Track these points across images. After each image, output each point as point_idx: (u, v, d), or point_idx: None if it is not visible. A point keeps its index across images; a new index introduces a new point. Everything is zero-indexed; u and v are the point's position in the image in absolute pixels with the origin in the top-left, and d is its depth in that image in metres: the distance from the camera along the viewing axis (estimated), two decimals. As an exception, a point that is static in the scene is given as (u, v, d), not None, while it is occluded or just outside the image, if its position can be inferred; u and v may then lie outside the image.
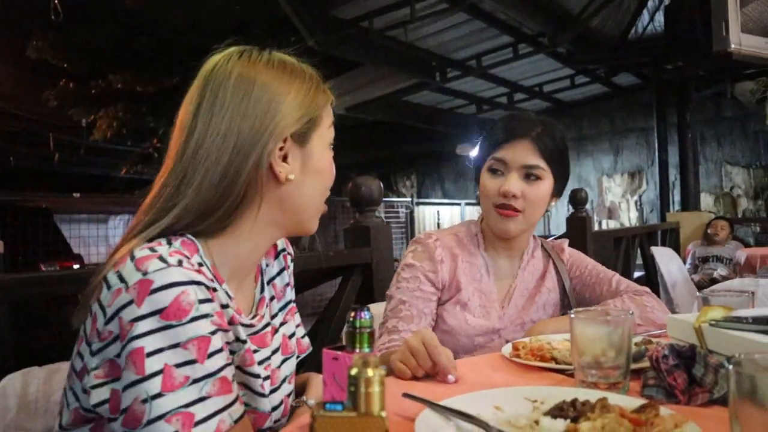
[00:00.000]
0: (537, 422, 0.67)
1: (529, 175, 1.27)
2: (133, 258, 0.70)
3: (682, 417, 0.64)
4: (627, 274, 4.31)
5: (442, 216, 9.69)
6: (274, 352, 0.89)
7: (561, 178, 1.33)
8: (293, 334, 0.98)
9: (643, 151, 10.00)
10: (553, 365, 0.95)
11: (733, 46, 3.67)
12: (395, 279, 1.32)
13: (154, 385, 0.65)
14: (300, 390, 0.99)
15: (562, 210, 8.34)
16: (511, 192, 1.25)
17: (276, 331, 0.92)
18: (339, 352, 0.72)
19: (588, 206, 3.84)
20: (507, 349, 1.04)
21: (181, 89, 0.83)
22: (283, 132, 0.79)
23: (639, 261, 4.98)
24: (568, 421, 0.65)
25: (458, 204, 10.22)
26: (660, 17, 6.52)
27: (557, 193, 1.34)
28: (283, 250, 0.99)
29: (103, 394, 0.69)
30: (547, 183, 1.29)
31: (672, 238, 6.04)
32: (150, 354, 0.65)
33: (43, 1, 6.99)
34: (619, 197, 10.32)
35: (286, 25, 5.82)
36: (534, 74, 8.34)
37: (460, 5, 5.82)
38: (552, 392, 0.76)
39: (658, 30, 6.77)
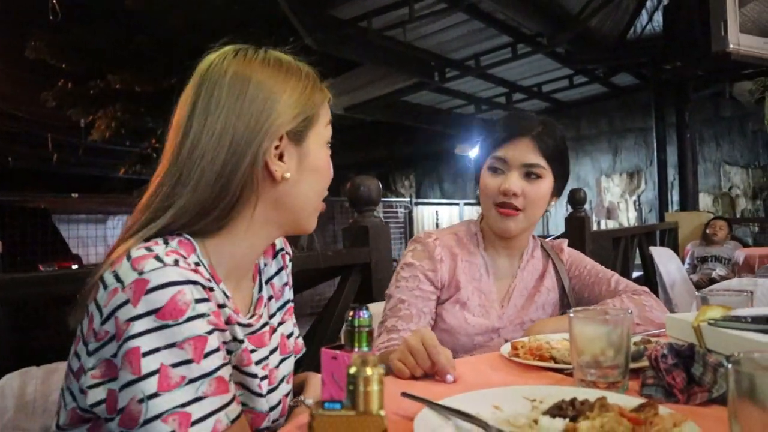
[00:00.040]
0: (536, 421, 0.67)
1: (530, 173, 1.27)
2: (129, 257, 0.70)
3: (681, 416, 0.64)
4: (626, 274, 4.32)
5: (440, 216, 9.68)
6: (272, 351, 0.89)
7: (561, 178, 1.33)
8: (291, 334, 0.97)
9: (641, 151, 10.01)
10: (552, 364, 0.95)
11: (731, 46, 3.67)
12: (394, 278, 1.32)
13: (151, 385, 0.65)
14: (298, 389, 0.99)
15: (560, 210, 8.34)
16: (511, 190, 1.25)
17: (274, 330, 0.92)
18: (338, 351, 0.72)
19: (587, 206, 3.85)
20: (506, 348, 1.04)
21: (180, 89, 0.83)
22: (278, 130, 0.79)
23: (638, 261, 4.99)
24: (567, 420, 0.65)
25: (457, 204, 10.22)
26: (659, 17, 6.53)
27: (557, 192, 1.34)
28: (282, 249, 0.98)
29: (99, 394, 0.68)
30: (547, 182, 1.29)
31: (670, 238, 6.05)
32: (146, 354, 0.65)
33: (41, 1, 6.98)
34: (617, 197, 10.33)
35: (285, 25, 5.82)
36: (533, 74, 8.35)
37: (458, 5, 5.83)
38: (551, 391, 0.76)
39: (657, 30, 6.78)
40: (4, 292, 1.26)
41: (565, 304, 1.39)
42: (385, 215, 8.45)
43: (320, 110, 0.85)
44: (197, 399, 0.67)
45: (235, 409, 0.71)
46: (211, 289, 0.74)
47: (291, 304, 0.99)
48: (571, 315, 0.85)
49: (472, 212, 9.35)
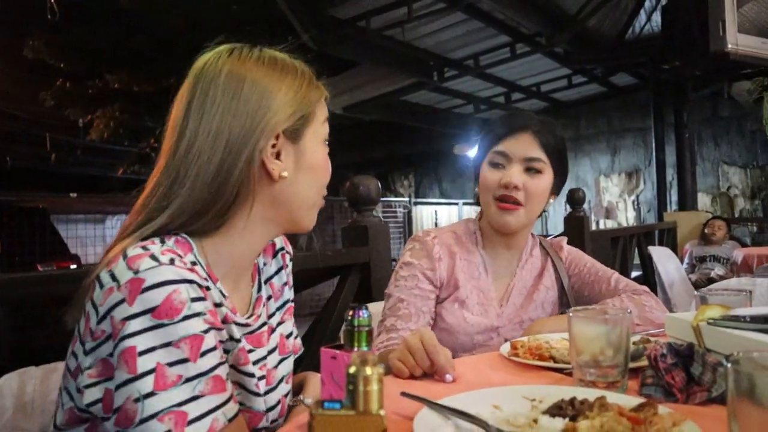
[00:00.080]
0: (535, 421, 0.67)
1: (531, 168, 1.28)
2: (125, 257, 0.70)
3: (680, 416, 0.64)
4: (624, 273, 4.30)
5: (439, 216, 9.69)
6: (271, 352, 0.89)
7: (560, 175, 1.33)
8: (291, 334, 0.97)
9: (640, 151, 10.02)
10: (551, 364, 0.95)
11: (730, 46, 3.67)
12: (393, 277, 1.32)
13: (147, 384, 0.65)
14: (297, 389, 0.99)
15: (559, 210, 8.36)
16: (513, 183, 1.25)
17: (273, 330, 0.92)
18: (337, 351, 0.72)
19: (585, 206, 3.85)
20: (505, 348, 1.04)
21: (178, 89, 0.83)
22: (274, 129, 0.79)
23: (636, 261, 5.00)
24: (567, 419, 0.65)
25: (456, 204, 10.23)
26: (657, 17, 6.53)
27: (555, 190, 1.34)
28: (282, 248, 0.98)
29: (96, 393, 0.68)
30: (547, 177, 1.30)
31: (669, 238, 6.05)
32: (142, 353, 0.65)
33: (39, 0, 6.96)
34: (616, 197, 10.34)
35: (283, 24, 5.81)
36: (531, 74, 8.36)
37: (457, 5, 5.83)
38: (550, 391, 0.76)
39: (655, 30, 6.79)
40: (3, 292, 1.26)
41: (564, 302, 1.39)
42: (384, 215, 8.46)
43: (317, 108, 0.84)
44: (194, 398, 0.67)
45: (232, 408, 0.71)
46: (208, 288, 0.74)
47: (291, 304, 0.99)
48: (571, 314, 0.85)
49: (471, 212, 9.35)
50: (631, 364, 0.85)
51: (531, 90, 9.14)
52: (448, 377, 0.89)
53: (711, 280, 4.41)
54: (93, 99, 9.61)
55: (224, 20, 7.34)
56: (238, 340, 0.79)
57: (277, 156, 0.80)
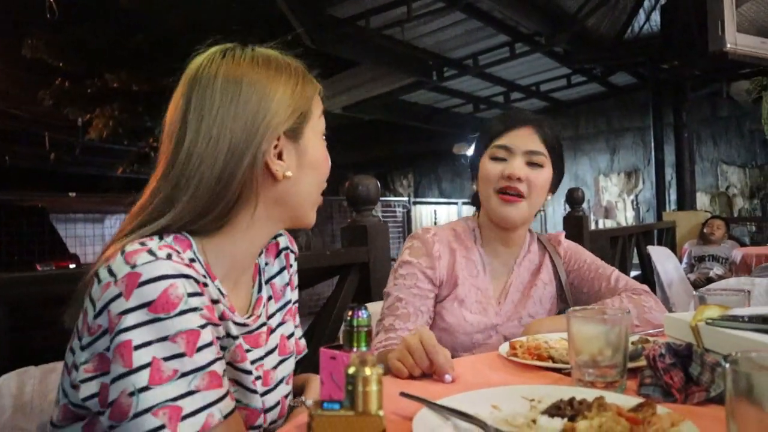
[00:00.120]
0: (534, 421, 0.67)
1: (532, 162, 1.28)
2: (123, 252, 0.70)
3: (678, 416, 0.64)
4: (623, 273, 4.32)
5: (439, 215, 9.70)
6: (269, 352, 0.89)
7: (558, 171, 1.35)
8: (292, 334, 0.96)
9: (639, 151, 10.02)
10: (550, 364, 0.95)
11: (728, 45, 3.67)
12: (392, 276, 1.31)
13: (142, 378, 0.65)
14: (299, 391, 0.99)
15: (558, 209, 8.36)
16: (516, 174, 1.26)
17: (272, 331, 0.91)
18: (336, 351, 0.71)
19: (585, 205, 3.86)
20: (504, 348, 1.04)
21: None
22: (276, 130, 0.79)
23: (635, 260, 5.00)
24: (566, 419, 0.65)
25: (455, 203, 10.23)
26: (656, 17, 6.53)
27: (553, 187, 1.35)
28: (286, 248, 0.97)
29: (92, 388, 0.68)
30: (548, 171, 1.31)
31: (668, 238, 6.06)
32: (138, 347, 0.65)
33: (38, -1, 6.95)
34: (615, 196, 10.34)
35: (283, 24, 5.81)
36: (531, 73, 8.35)
37: (456, 4, 5.83)
38: (549, 391, 0.76)
39: (655, 29, 6.78)
40: (2, 292, 1.26)
41: (563, 298, 1.39)
42: (383, 214, 8.46)
43: (313, 103, 0.84)
44: (189, 393, 0.66)
45: (228, 404, 0.70)
46: (205, 285, 0.74)
47: (293, 305, 0.98)
48: (569, 314, 0.85)
49: (471, 211, 9.32)
50: (630, 364, 0.85)
51: (530, 89, 9.14)
52: (447, 377, 0.89)
53: (710, 280, 4.41)
54: (92, 98, 9.60)
55: (224, 20, 7.33)
56: (236, 337, 0.79)
57: (279, 156, 0.80)
